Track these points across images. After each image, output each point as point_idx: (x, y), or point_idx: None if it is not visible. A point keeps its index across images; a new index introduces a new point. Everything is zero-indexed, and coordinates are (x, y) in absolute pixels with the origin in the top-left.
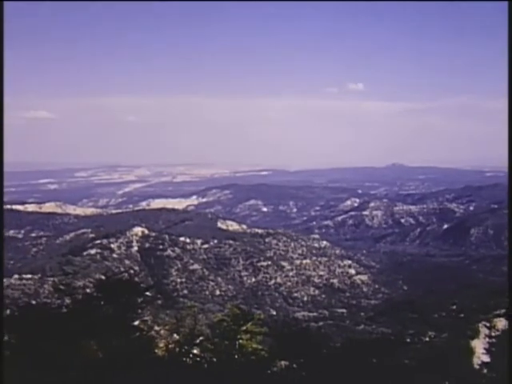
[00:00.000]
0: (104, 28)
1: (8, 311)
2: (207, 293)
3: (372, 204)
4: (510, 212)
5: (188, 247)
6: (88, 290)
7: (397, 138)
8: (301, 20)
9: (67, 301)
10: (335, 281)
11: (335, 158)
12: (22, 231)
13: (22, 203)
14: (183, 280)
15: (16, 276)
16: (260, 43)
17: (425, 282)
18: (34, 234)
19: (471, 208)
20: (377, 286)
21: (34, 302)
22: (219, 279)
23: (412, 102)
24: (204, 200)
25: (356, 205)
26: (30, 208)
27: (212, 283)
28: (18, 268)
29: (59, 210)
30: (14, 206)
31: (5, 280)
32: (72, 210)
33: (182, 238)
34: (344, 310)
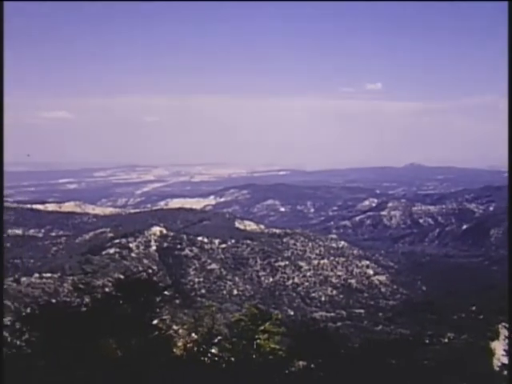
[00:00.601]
0: (119, 27)
1: (29, 309)
2: (225, 292)
3: (390, 204)
4: (510, 212)
5: (206, 247)
6: (107, 289)
7: (415, 137)
8: (318, 20)
9: (86, 300)
10: (353, 281)
11: (353, 157)
12: (42, 230)
13: (42, 203)
14: (201, 279)
15: (36, 275)
16: (274, 43)
17: (444, 282)
18: (53, 233)
19: (491, 208)
20: (395, 287)
21: (53, 301)
22: (237, 279)
23: (430, 101)
24: (222, 200)
25: (374, 205)
26: (50, 207)
27: (230, 283)
28: (38, 267)
29: (78, 210)
30: (35, 206)
31: (25, 278)
32: (91, 209)
33: (199, 238)
34: (362, 311)
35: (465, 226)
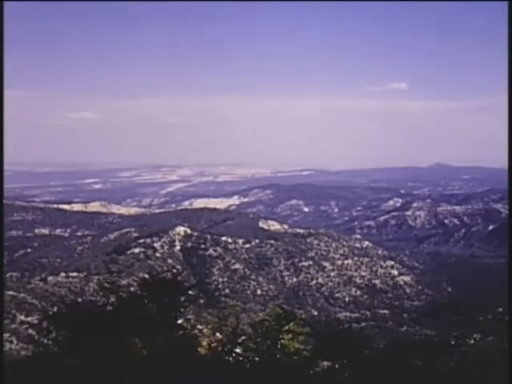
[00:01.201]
0: (145, 27)
1: (55, 308)
2: (249, 292)
3: (415, 204)
4: (511, 212)
5: (230, 247)
6: (132, 289)
7: (441, 137)
8: (343, 20)
9: (112, 299)
10: (377, 281)
11: (377, 157)
12: (69, 230)
13: (69, 203)
14: (225, 279)
15: (63, 274)
16: (298, 42)
17: (470, 283)
18: (79, 233)
19: None
20: (420, 287)
21: (79, 300)
22: (260, 279)
23: (456, 101)
24: (245, 200)
25: (399, 205)
26: (76, 207)
27: (253, 283)
28: (64, 266)
29: (104, 210)
30: (61, 206)
31: (52, 278)
32: (116, 209)
33: (223, 238)
34: (386, 311)
35: (491, 227)
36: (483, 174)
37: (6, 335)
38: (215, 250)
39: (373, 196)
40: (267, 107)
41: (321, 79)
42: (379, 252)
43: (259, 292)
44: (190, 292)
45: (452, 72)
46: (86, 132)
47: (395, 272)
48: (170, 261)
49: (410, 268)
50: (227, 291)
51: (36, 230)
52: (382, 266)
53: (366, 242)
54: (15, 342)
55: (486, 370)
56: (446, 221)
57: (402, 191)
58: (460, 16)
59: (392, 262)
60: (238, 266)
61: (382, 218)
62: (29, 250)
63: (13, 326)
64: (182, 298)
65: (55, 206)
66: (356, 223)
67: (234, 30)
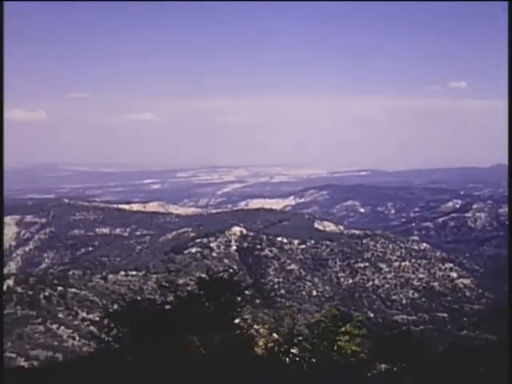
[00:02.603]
0: (202, 30)
1: (115, 306)
2: (304, 293)
3: (475, 205)
4: (510, 212)
5: (285, 247)
6: (189, 288)
7: (502, 136)
8: (403, 19)
9: (170, 298)
10: (436, 284)
11: (436, 157)
12: (128, 229)
13: (128, 203)
14: (280, 280)
15: (122, 272)
16: (355, 41)
17: None
18: (138, 233)
19: None
20: (480, 291)
21: (138, 298)
22: (316, 280)
23: None
24: (301, 200)
25: (458, 206)
26: (135, 207)
27: (309, 284)
28: (123, 265)
29: (162, 210)
30: (121, 206)
31: (112, 276)
32: (174, 209)
33: (279, 238)
34: (445, 315)
35: None
36: None
37: (68, 331)
38: (271, 251)
39: (431, 197)
40: (322, 107)
41: (381, 79)
42: (437, 254)
43: (314, 293)
44: (247, 292)
45: None
46: (144, 133)
47: (454, 275)
48: (226, 260)
49: (470, 271)
50: (283, 291)
51: (97, 230)
52: (440, 269)
53: (424, 244)
54: (77, 338)
55: None
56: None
57: (462, 192)
58: None
59: (451, 265)
60: (293, 266)
61: (440, 220)
62: (90, 248)
63: (75, 322)
64: (239, 298)
65: (115, 205)
66: (413, 224)
67: (290, 32)
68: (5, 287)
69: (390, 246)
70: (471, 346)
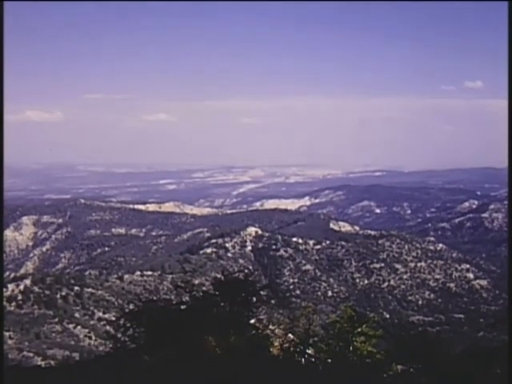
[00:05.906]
0: (221, 30)
1: (131, 306)
2: (319, 293)
3: (492, 206)
4: (510, 212)
5: (300, 248)
6: (205, 288)
7: None
8: (418, 19)
9: (186, 298)
10: (452, 285)
11: (452, 158)
12: (144, 230)
13: (144, 203)
14: (296, 280)
15: (138, 272)
16: (371, 42)
17: None
18: (154, 233)
19: None
20: (498, 292)
21: (154, 298)
22: (331, 280)
23: None
24: (316, 201)
25: (475, 207)
26: (151, 208)
27: (324, 284)
28: (139, 265)
29: (177, 210)
30: (136, 206)
31: (128, 276)
32: (189, 209)
33: (294, 239)
34: (462, 316)
35: None
36: None
37: (85, 331)
38: (286, 251)
39: (447, 197)
40: (338, 108)
41: (396, 79)
42: (454, 255)
43: (330, 293)
44: (262, 292)
45: None
46: (160, 133)
47: (471, 275)
48: (241, 261)
49: (487, 272)
50: (298, 292)
51: (113, 230)
52: (456, 269)
53: (440, 245)
54: (94, 337)
55: None
56: None
57: (479, 193)
58: None
59: (468, 266)
60: (308, 266)
61: (457, 220)
62: (106, 248)
63: (91, 322)
64: (254, 299)
65: (131, 206)
66: (430, 225)
67: (307, 32)
68: (22, 287)
69: (406, 247)
70: (488, 348)
